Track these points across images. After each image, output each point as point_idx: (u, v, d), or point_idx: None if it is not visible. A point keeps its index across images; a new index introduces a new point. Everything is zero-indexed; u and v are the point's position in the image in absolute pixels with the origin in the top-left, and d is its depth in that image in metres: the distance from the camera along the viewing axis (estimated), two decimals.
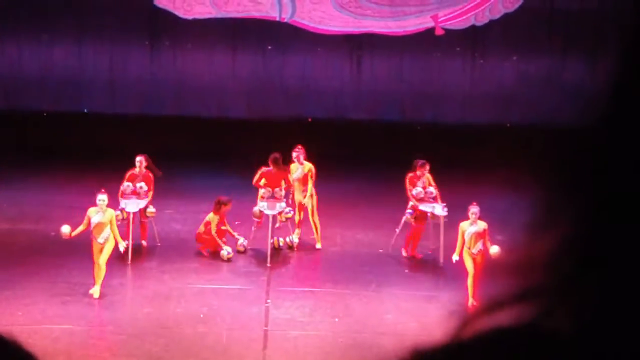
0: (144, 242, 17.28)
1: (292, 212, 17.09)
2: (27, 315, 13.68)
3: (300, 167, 17.43)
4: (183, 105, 25.03)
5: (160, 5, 24.85)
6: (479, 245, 14.70)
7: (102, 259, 14.93)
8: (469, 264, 14.68)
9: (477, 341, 0.95)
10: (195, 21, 24.96)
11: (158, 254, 16.78)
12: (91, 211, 15.34)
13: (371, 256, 16.99)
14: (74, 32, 25.04)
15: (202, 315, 14.28)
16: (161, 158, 22.41)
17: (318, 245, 17.15)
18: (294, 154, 17.53)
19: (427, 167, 17.41)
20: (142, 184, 17.25)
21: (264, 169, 17.20)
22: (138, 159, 17.59)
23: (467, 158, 21.41)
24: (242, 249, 16.87)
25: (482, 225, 14.84)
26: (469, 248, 14.76)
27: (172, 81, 25.18)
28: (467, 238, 14.85)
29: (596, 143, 0.99)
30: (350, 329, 13.96)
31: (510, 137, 22.33)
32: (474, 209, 15.05)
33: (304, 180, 17.39)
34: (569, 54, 24.71)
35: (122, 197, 17.13)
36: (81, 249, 16.68)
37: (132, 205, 16.98)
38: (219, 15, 24.94)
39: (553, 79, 24.41)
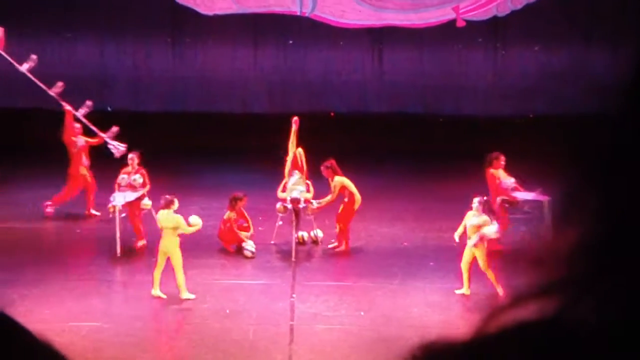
0: (139, 243, 16.90)
1: (317, 204, 16.98)
2: (55, 314, 13.75)
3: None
4: (205, 102, 25.08)
5: (182, 2, 24.90)
6: (475, 238, 14.72)
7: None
8: (466, 254, 14.78)
9: (502, 334, 0.95)
10: (217, 17, 25.01)
11: (183, 249, 16.80)
12: (161, 214, 15.11)
13: (396, 249, 16.98)
14: (97, 30, 25.13)
15: (228, 311, 14.30)
16: (184, 154, 22.52)
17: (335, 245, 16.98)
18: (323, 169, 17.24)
19: (503, 159, 17.28)
20: (137, 176, 17.16)
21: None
22: (130, 155, 17.52)
23: (490, 150, 21.28)
24: (249, 254, 16.69)
25: (483, 218, 14.82)
26: (469, 238, 14.84)
27: (194, 77, 25.23)
28: (468, 228, 14.91)
29: (621, 133, 0.99)
30: (375, 323, 13.95)
31: (533, 129, 22.28)
32: (477, 200, 15.05)
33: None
34: (591, 44, 24.60)
35: (118, 189, 17.07)
36: (106, 247, 16.75)
37: (119, 198, 16.87)
38: (240, 11, 24.97)
39: (576, 69, 24.32)
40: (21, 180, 20.68)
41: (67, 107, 18.79)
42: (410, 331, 13.10)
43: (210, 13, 25.04)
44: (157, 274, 14.72)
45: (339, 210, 16.99)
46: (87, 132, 18.89)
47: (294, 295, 14.70)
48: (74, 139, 18.82)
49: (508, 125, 23.08)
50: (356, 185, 17.30)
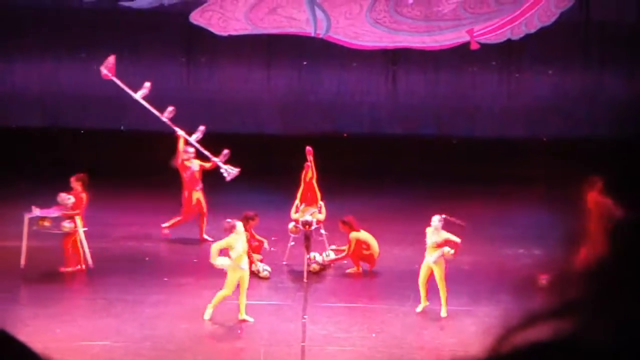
0: (65, 269, 16.54)
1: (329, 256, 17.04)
2: (66, 332, 13.75)
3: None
4: (219, 122, 25.10)
5: (196, 22, 24.99)
6: (436, 255, 14.81)
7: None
8: (423, 269, 15.10)
9: (516, 355, 0.95)
10: (231, 37, 25.08)
11: (194, 269, 16.81)
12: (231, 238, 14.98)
13: (408, 271, 16.93)
14: (112, 49, 25.21)
15: (239, 331, 14.29)
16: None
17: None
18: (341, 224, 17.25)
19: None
20: (70, 197, 16.93)
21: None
22: (75, 177, 17.28)
23: (504, 173, 21.33)
24: (265, 275, 16.67)
25: (442, 235, 15.00)
26: (428, 255, 15.05)
27: (208, 97, 25.28)
28: (427, 245, 15.10)
29: (635, 156, 0.99)
30: (387, 344, 13.92)
31: (547, 151, 22.25)
32: (435, 218, 15.22)
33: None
34: (605, 67, 24.57)
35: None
36: (118, 266, 16.76)
37: (36, 211, 16.80)
38: (255, 32, 25.04)
39: (590, 92, 24.29)
40: (33, 197, 20.67)
41: (180, 133, 18.89)
42: (422, 353, 13.08)
43: (225, 34, 25.11)
44: (240, 298, 14.71)
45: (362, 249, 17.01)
46: (200, 156, 18.89)
47: (305, 317, 14.66)
48: (187, 163, 18.74)
49: (522, 148, 23.05)
50: (369, 206, 17.29)
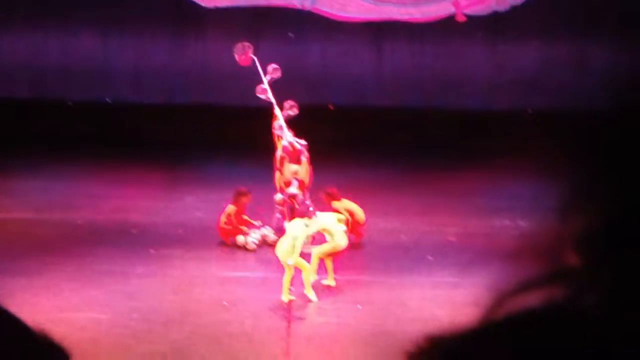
0: None
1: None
2: (53, 304, 13.75)
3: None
4: (205, 94, 25.05)
5: None
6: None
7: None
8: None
9: (507, 323, 0.95)
10: (217, 10, 24.98)
11: (181, 241, 16.81)
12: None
13: (394, 244, 16.97)
14: (99, 21, 25.10)
15: (225, 303, 14.31)
16: (184, 146, 22.51)
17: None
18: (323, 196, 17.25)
19: None
20: None
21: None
22: None
23: (491, 144, 21.31)
24: (252, 247, 16.67)
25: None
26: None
27: (194, 70, 25.21)
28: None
29: (622, 126, 0.98)
30: (374, 317, 13.96)
31: (533, 123, 22.28)
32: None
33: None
34: (592, 38, 24.56)
35: None
36: (105, 238, 16.76)
37: None
38: (241, 4, 24.95)
39: (577, 63, 24.29)
40: (22, 170, 20.65)
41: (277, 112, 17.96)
42: (409, 325, 13.11)
43: (211, 6, 25.00)
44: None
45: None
46: None
47: (292, 288, 14.68)
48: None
49: (508, 120, 23.05)
50: (355, 178, 17.29)
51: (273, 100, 17.83)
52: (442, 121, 23.91)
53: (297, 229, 14.76)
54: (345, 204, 16.94)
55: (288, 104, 17.80)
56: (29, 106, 24.03)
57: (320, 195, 16.98)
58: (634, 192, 0.93)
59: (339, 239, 15.11)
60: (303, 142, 17.38)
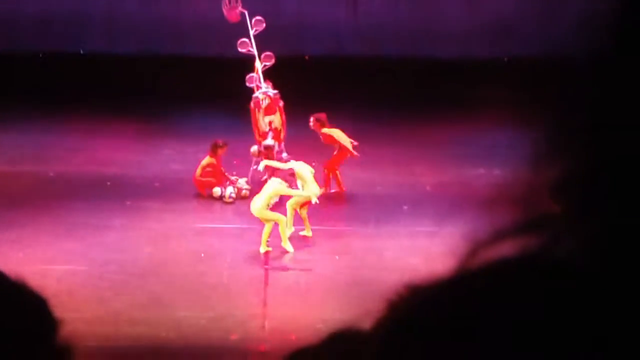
0: None
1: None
2: (29, 256, 13.72)
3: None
4: (180, 45, 24.91)
5: None
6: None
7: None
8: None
9: (480, 273, 0.95)
10: None
11: (157, 194, 16.79)
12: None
13: (370, 194, 17.01)
14: None
15: (202, 255, 14.34)
16: (159, 98, 22.40)
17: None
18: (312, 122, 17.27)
19: None
20: None
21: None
22: None
23: (467, 93, 21.32)
24: (228, 200, 16.67)
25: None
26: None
27: (168, 20, 25.03)
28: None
29: (600, 74, 0.98)
30: (350, 266, 14.02)
31: (510, 71, 22.27)
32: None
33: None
34: None
35: None
36: (80, 191, 16.71)
37: None
38: None
39: (554, 8, 24.23)
40: None
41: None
42: (385, 274, 13.16)
43: None
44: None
45: (330, 159, 17.02)
46: None
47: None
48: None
49: (485, 68, 23.05)
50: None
51: (256, 53, 17.77)
52: (418, 70, 23.87)
53: (272, 187, 14.79)
54: (334, 131, 16.99)
55: (264, 54, 17.76)
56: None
57: (310, 120, 16.98)
58: (611, 140, 0.93)
59: (312, 187, 15.13)
60: (275, 91, 17.40)
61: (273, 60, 17.61)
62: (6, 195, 16.37)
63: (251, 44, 17.78)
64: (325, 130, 16.92)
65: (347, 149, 16.85)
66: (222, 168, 16.97)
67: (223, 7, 18.36)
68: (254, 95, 17.34)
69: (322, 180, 16.75)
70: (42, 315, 1.39)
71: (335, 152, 17.03)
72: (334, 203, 16.62)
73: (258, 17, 17.94)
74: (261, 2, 24.35)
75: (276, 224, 14.57)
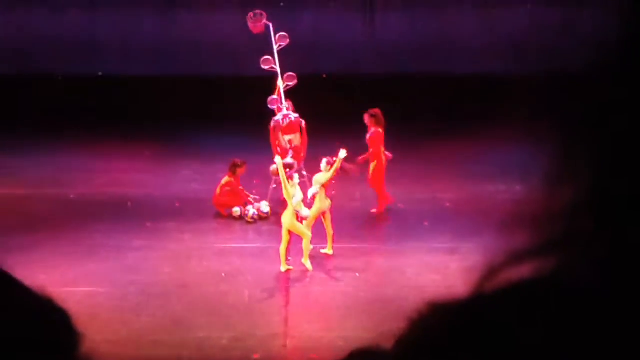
0: None
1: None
2: (50, 278, 13.71)
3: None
4: (197, 65, 24.98)
5: None
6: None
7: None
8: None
9: (498, 294, 0.95)
10: None
11: (177, 214, 16.82)
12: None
13: (391, 211, 17.00)
14: None
15: (223, 274, 14.33)
16: (178, 119, 22.46)
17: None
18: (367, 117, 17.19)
19: None
20: None
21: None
22: None
23: (484, 110, 21.25)
24: (251, 220, 16.66)
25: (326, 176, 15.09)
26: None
27: (185, 41, 25.12)
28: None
29: (613, 91, 0.98)
30: (371, 284, 13.99)
31: (525, 88, 22.21)
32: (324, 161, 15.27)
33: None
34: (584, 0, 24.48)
35: None
36: (100, 212, 16.75)
37: None
38: None
39: (568, 25, 24.21)
40: (12, 146, 20.61)
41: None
42: (406, 292, 13.14)
43: None
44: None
45: (370, 174, 16.92)
46: None
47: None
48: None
49: (500, 84, 23.01)
50: (350, 146, 17.22)
51: (279, 70, 17.75)
52: (435, 87, 23.88)
53: (298, 196, 14.76)
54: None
55: (287, 74, 17.74)
56: (17, 81, 23.94)
57: (364, 117, 16.93)
58: (628, 159, 0.93)
59: (323, 200, 15.06)
60: (297, 115, 17.34)
61: (295, 81, 17.57)
62: (27, 217, 16.43)
63: (274, 61, 17.76)
64: (378, 130, 16.83)
65: (380, 157, 16.74)
66: (241, 187, 17.00)
67: (248, 19, 18.36)
68: (275, 119, 17.33)
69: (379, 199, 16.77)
70: (66, 328, 1.40)
71: (371, 165, 16.86)
72: (355, 220, 16.59)
73: (282, 33, 17.92)
74: (278, 21, 24.45)
75: (297, 241, 14.57)
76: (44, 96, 23.54)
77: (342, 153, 15.02)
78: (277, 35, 17.88)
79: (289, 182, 14.78)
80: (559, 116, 1.02)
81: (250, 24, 18.38)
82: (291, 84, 17.58)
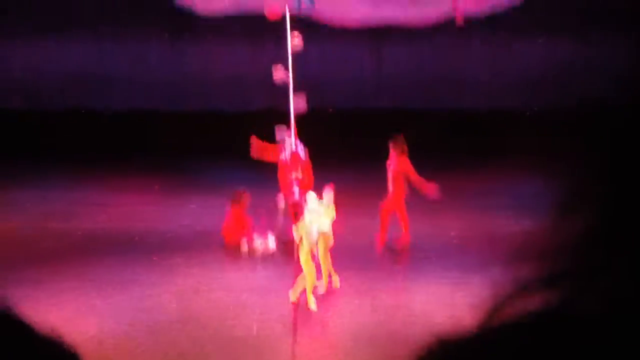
0: None
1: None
2: (57, 314, 13.74)
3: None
4: (204, 100, 25.08)
5: (180, 1, 24.89)
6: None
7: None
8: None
9: (506, 327, 0.94)
10: (215, 16, 24.99)
11: (184, 248, 16.82)
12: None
13: (398, 247, 16.97)
14: (94, 29, 25.12)
15: (231, 308, 14.31)
16: (185, 152, 22.52)
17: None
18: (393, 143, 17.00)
19: None
20: None
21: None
22: None
23: (493, 144, 21.31)
24: (258, 254, 16.67)
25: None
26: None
27: (192, 76, 25.23)
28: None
29: (625, 125, 0.98)
30: (378, 317, 13.95)
31: (536, 122, 22.27)
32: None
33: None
34: (593, 36, 24.56)
35: None
36: (107, 246, 16.76)
37: None
38: (238, 10, 24.96)
39: (578, 60, 24.30)
40: (20, 179, 20.67)
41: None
42: (413, 325, 13.11)
43: (209, 12, 25.01)
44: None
45: (388, 201, 16.84)
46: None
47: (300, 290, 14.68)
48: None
49: (511, 119, 23.06)
50: (359, 180, 17.26)
51: (290, 82, 17.60)
52: (443, 122, 23.91)
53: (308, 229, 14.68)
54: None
55: (292, 34, 17.29)
56: (25, 116, 24.05)
57: (390, 141, 16.78)
58: (635, 193, 0.93)
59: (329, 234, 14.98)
60: (304, 152, 17.27)
61: (300, 42, 17.17)
62: (34, 251, 16.45)
63: (287, 73, 17.52)
64: (403, 158, 16.72)
65: (401, 190, 16.64)
66: (248, 218, 16.99)
67: (264, 6, 18.13)
68: (282, 154, 17.31)
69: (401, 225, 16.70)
70: None
71: (392, 190, 16.79)
72: (361, 253, 16.56)
73: (295, 32, 17.54)
74: (285, 57, 24.57)
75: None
76: (52, 131, 23.62)
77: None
78: (294, 39, 17.53)
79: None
80: (568, 151, 1.02)
81: (266, 10, 18.22)
82: (297, 43, 17.14)
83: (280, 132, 17.37)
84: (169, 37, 25.33)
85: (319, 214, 14.65)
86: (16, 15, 24.73)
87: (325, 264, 14.96)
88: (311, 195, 14.96)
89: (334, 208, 14.87)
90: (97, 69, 25.36)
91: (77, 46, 25.24)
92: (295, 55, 17.66)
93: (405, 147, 16.82)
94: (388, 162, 16.90)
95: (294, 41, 17.30)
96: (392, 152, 16.88)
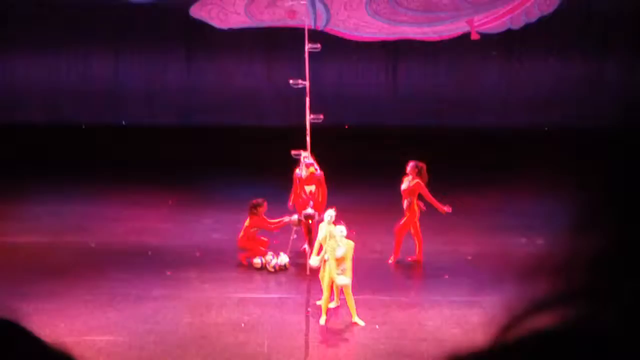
0: None
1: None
2: (69, 327, 13.75)
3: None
4: (221, 115, 25.12)
5: (196, 16, 24.97)
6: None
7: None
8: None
9: (520, 345, 0.94)
10: (231, 31, 25.06)
11: (198, 263, 16.81)
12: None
13: (411, 263, 16.94)
14: (111, 44, 25.21)
15: (243, 325, 14.29)
16: (200, 167, 22.54)
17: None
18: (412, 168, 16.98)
19: None
20: None
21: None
22: None
23: (506, 162, 21.26)
24: (272, 270, 16.62)
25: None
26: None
27: (209, 91, 25.28)
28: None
29: (638, 143, 0.98)
30: (390, 336, 13.91)
31: (549, 141, 22.24)
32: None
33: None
34: (607, 56, 24.55)
35: None
36: (121, 261, 16.77)
37: None
38: (254, 25, 25.03)
39: (591, 81, 24.28)
40: (34, 193, 20.73)
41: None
42: (425, 344, 13.07)
43: (225, 27, 25.09)
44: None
45: (402, 223, 16.81)
46: None
47: (309, 309, 14.67)
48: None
49: (524, 137, 23.03)
50: (371, 197, 17.23)
51: (307, 85, 17.59)
52: (457, 139, 23.89)
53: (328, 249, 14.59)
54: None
55: (312, 115, 17.49)
56: (42, 130, 24.14)
57: (409, 164, 16.71)
58: None
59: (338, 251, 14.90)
60: (319, 172, 17.22)
61: (321, 118, 17.31)
62: (48, 265, 16.47)
63: (303, 84, 17.56)
64: (419, 181, 16.68)
65: (414, 208, 16.63)
66: (268, 221, 16.89)
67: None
68: (297, 171, 17.29)
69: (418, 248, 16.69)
70: None
71: (406, 211, 16.76)
72: (374, 271, 16.53)
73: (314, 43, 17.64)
74: (304, 73, 24.62)
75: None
76: (67, 145, 23.69)
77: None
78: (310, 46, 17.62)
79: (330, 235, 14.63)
80: (582, 169, 1.02)
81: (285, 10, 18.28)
82: (317, 121, 17.29)
83: (296, 152, 17.30)
84: (185, 52, 25.40)
85: (339, 238, 14.56)
86: (35, 30, 24.84)
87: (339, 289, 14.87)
88: (332, 218, 14.88)
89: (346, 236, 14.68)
90: (114, 83, 25.45)
91: (94, 61, 25.34)
92: (312, 72, 17.67)
93: (425, 174, 16.76)
94: (402, 184, 16.87)
95: (312, 45, 17.42)
96: (410, 173, 16.84)
